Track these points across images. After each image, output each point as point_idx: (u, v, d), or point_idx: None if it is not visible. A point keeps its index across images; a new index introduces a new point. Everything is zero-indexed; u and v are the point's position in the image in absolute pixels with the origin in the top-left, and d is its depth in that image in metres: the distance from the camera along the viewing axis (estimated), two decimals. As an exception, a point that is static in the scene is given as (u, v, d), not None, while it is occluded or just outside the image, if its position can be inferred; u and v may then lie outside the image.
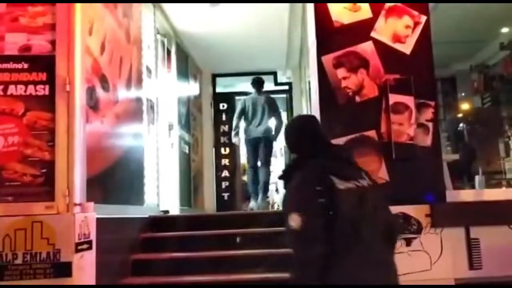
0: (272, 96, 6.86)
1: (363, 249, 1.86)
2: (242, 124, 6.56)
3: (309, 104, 5.84)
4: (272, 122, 6.49)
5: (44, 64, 2.93)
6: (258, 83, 6.70)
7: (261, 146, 6.35)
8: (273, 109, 6.50)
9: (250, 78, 8.28)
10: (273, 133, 6.47)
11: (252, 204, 6.43)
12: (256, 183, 6.39)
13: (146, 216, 4.59)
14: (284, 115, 9.81)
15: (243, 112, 6.51)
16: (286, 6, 5.65)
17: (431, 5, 3.18)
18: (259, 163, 6.45)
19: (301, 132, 2.13)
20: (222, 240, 4.38)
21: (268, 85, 9.05)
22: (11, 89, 2.89)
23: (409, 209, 2.90)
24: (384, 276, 1.90)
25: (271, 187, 7.80)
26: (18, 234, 2.68)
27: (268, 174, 6.43)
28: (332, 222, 1.83)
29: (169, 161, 5.93)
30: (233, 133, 6.62)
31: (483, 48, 7.45)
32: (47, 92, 2.91)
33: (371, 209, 1.93)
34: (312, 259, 1.83)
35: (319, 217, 1.82)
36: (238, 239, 4.33)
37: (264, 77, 8.67)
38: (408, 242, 2.89)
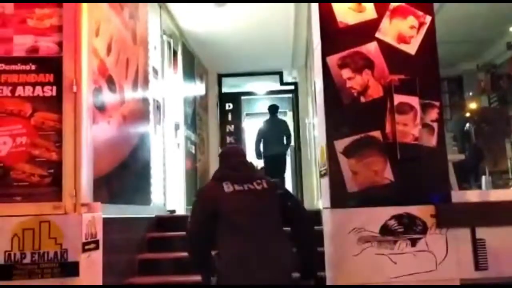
0: (284, 119, 8.18)
1: (243, 236, 2.56)
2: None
3: (314, 103, 5.86)
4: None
5: (51, 66, 2.95)
6: (273, 109, 7.89)
7: (277, 161, 7.55)
8: (285, 130, 7.78)
9: (256, 77, 8.36)
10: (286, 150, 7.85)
11: None
12: None
13: (153, 215, 4.62)
14: (289, 115, 9.88)
15: (261, 136, 7.73)
16: (292, 6, 5.66)
17: (437, 4, 3.18)
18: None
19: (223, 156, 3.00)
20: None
21: (274, 85, 9.10)
22: (19, 90, 2.92)
23: (414, 210, 2.90)
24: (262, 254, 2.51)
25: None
26: (26, 234, 2.71)
27: (283, 182, 7.42)
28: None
29: (175, 161, 5.96)
30: (255, 155, 7.69)
31: (490, 47, 7.43)
32: (54, 93, 2.94)
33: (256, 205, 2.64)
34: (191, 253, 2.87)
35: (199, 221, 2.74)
36: None
37: (270, 77, 8.75)
38: (413, 242, 2.89)
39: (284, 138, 7.76)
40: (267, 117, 8.02)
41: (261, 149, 7.75)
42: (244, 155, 2.97)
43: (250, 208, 2.62)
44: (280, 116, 8.33)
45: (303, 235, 2.72)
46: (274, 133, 7.62)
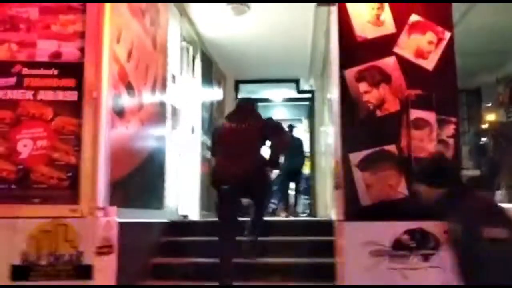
0: (299, 137, 8.89)
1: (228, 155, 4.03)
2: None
3: (331, 112, 5.86)
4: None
5: (73, 71, 3.01)
6: (290, 128, 8.44)
7: (295, 173, 8.47)
8: (300, 147, 8.57)
9: (273, 85, 8.40)
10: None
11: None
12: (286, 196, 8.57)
13: (167, 220, 4.67)
14: (305, 123, 9.87)
15: None
16: (311, 14, 5.69)
17: (457, 15, 3.17)
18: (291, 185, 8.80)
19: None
20: (240, 247, 4.41)
21: (291, 93, 9.12)
22: (41, 95, 2.98)
23: (428, 225, 2.89)
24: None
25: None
26: (44, 236, 2.76)
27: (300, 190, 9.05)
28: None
29: (190, 165, 6.00)
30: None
31: (510, 60, 7.35)
32: (75, 98, 2.99)
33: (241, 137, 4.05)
34: None
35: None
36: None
37: (286, 84, 8.77)
38: (426, 258, 2.88)
39: (300, 154, 8.61)
40: None
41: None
42: (248, 107, 4.44)
43: (235, 138, 4.07)
44: (296, 130, 9.02)
45: (274, 144, 4.17)
46: (292, 149, 7.87)
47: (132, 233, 3.58)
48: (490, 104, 7.92)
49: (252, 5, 5.50)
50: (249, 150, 4.01)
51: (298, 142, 8.53)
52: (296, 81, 8.80)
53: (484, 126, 7.29)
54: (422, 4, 3.10)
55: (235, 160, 3.91)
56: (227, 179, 3.91)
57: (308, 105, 9.12)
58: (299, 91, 8.95)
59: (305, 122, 9.98)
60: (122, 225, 3.13)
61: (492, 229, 2.24)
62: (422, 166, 2.84)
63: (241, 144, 3.99)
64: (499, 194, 5.60)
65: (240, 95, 8.76)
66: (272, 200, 8.48)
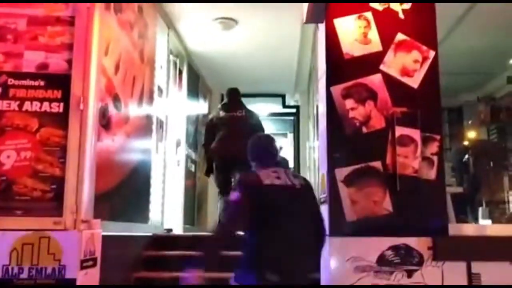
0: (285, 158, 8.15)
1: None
2: None
3: (316, 128, 5.91)
4: None
5: (60, 83, 3.01)
6: (279, 150, 8.18)
7: None
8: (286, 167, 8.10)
9: (259, 99, 8.49)
10: None
11: None
12: None
13: (150, 234, 4.63)
14: (290, 137, 9.94)
15: None
16: (297, 31, 5.75)
17: (440, 36, 3.24)
18: None
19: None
20: (224, 261, 4.38)
21: (276, 107, 9.18)
22: (27, 105, 2.97)
23: (412, 241, 2.92)
24: None
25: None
26: (26, 249, 2.73)
27: None
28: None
29: (175, 179, 5.97)
30: None
31: (490, 80, 7.51)
32: (61, 110, 2.98)
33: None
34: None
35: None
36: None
37: (272, 99, 8.83)
38: (410, 274, 2.90)
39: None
40: None
41: None
42: (238, 96, 5.18)
43: (233, 125, 4.58)
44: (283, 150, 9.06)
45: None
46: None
47: (116, 247, 3.55)
48: (471, 122, 8.05)
49: (240, 20, 5.55)
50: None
51: (285, 162, 8.66)
52: (282, 96, 8.86)
53: (466, 143, 7.40)
54: (408, 23, 3.17)
55: (236, 142, 4.28)
56: (228, 156, 4.64)
57: (293, 120, 9.18)
58: (285, 106, 9.02)
59: (290, 137, 10.02)
60: (106, 238, 3.10)
61: None
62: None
63: (240, 130, 4.66)
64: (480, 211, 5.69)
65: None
66: None
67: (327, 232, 2.84)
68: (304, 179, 2.79)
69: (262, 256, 2.53)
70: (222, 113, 5.24)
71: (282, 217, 2.55)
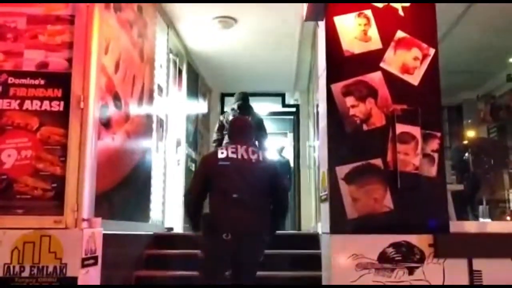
0: (287, 158, 8.95)
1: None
2: None
3: (316, 126, 5.91)
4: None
5: (60, 81, 3.01)
6: (281, 150, 8.89)
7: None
8: (289, 168, 8.65)
9: (259, 98, 8.50)
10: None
11: None
12: None
13: (151, 232, 4.63)
14: (290, 137, 9.95)
15: None
16: (297, 29, 5.75)
17: (440, 34, 3.24)
18: None
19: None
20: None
21: (276, 107, 9.17)
22: (27, 104, 2.97)
23: (413, 238, 2.92)
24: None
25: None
26: (27, 247, 2.72)
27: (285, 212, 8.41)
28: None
29: (175, 178, 5.97)
30: None
31: (490, 78, 7.51)
32: (61, 109, 2.98)
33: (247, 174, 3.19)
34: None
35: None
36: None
37: (272, 98, 8.83)
38: (411, 271, 2.90)
39: (288, 174, 8.67)
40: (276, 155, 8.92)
41: None
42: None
43: (237, 174, 3.18)
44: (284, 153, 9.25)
45: (278, 211, 3.31)
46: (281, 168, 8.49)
47: (117, 245, 3.55)
48: (470, 121, 8.06)
49: (239, 18, 5.55)
50: (259, 197, 3.18)
51: (286, 163, 8.83)
52: (282, 95, 8.86)
53: (466, 142, 7.41)
54: (408, 20, 3.17)
55: (243, 207, 3.11)
56: (231, 231, 3.09)
57: (293, 119, 9.18)
58: (284, 105, 9.01)
59: (290, 136, 10.03)
60: (107, 237, 3.10)
61: None
62: None
63: (249, 187, 3.18)
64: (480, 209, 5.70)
65: (225, 108, 8.77)
66: None
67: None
68: (264, 155, 3.35)
69: (216, 219, 3.15)
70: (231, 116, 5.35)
71: (231, 185, 3.14)
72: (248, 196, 3.12)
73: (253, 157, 3.22)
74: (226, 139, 4.67)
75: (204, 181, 3.23)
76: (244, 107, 5.64)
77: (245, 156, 3.21)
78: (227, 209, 3.12)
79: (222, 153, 3.23)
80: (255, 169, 3.22)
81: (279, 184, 3.32)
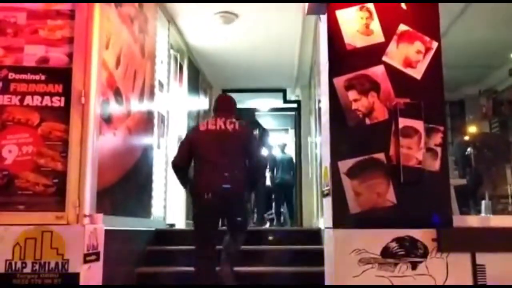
0: (290, 154, 9.28)
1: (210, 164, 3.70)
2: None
3: (317, 122, 5.89)
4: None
5: (60, 76, 2.99)
6: (284, 147, 9.22)
7: (287, 186, 8.91)
8: (292, 164, 9.03)
9: (260, 94, 8.47)
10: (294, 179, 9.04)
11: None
12: (279, 213, 9.10)
13: (152, 229, 4.62)
14: (291, 133, 9.94)
15: (275, 165, 8.86)
16: (298, 24, 5.73)
17: (442, 29, 3.21)
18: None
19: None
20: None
21: (277, 103, 9.16)
22: (28, 100, 2.95)
23: (416, 233, 2.90)
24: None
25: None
26: (28, 243, 2.71)
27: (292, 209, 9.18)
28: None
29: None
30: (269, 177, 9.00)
31: (492, 73, 7.49)
32: (62, 104, 2.97)
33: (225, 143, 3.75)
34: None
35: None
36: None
37: (273, 94, 8.81)
38: (414, 266, 2.88)
39: (291, 170, 9.05)
40: (278, 152, 9.25)
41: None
42: (225, 101, 4.09)
43: (217, 144, 3.73)
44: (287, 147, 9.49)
45: (251, 173, 3.85)
46: (285, 167, 8.85)
47: (119, 241, 3.54)
48: (473, 116, 8.04)
49: (240, 13, 5.53)
50: (233, 161, 3.74)
51: (289, 159, 8.99)
52: (283, 91, 8.84)
53: (468, 137, 7.38)
54: (411, 14, 3.14)
55: (219, 170, 3.65)
56: (211, 191, 3.63)
57: (295, 115, 9.16)
58: (286, 101, 8.99)
59: (291, 132, 10.02)
60: (108, 232, 3.09)
61: None
62: None
63: (225, 153, 3.72)
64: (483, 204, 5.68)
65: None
66: (270, 211, 9.29)
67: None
68: (241, 125, 3.88)
69: (199, 182, 3.71)
70: None
71: (211, 152, 3.72)
72: (224, 160, 3.68)
73: (230, 127, 3.79)
74: None
75: (187, 150, 3.81)
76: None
77: (223, 127, 3.79)
78: (207, 173, 3.68)
79: (203, 125, 3.89)
80: (230, 137, 3.79)
81: (250, 149, 3.84)
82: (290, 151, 9.39)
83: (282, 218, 9.14)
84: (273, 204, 9.37)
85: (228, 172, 3.66)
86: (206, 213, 3.68)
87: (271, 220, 9.28)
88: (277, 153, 9.31)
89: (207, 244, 3.66)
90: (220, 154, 3.70)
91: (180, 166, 3.82)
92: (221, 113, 3.89)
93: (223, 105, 4.01)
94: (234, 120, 3.88)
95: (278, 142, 9.56)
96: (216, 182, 3.62)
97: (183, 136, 4.87)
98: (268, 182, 9.10)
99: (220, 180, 3.62)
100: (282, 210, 9.20)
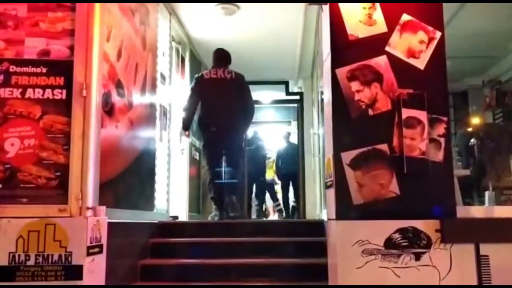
0: (295, 143, 9.19)
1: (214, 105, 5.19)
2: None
3: (320, 114, 5.88)
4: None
5: (62, 69, 2.98)
6: (288, 136, 9.45)
7: (292, 176, 8.92)
8: (297, 152, 8.87)
9: (262, 86, 8.45)
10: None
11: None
12: (287, 204, 9.24)
13: (156, 221, 4.63)
14: (294, 125, 9.93)
15: (279, 156, 9.30)
16: (300, 15, 5.70)
17: (444, 19, 3.19)
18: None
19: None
20: (230, 248, 4.40)
21: (279, 95, 9.13)
22: (29, 93, 2.94)
23: (419, 224, 2.90)
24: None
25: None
26: (31, 236, 2.71)
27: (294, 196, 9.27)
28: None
29: (179, 167, 5.96)
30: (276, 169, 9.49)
31: (496, 63, 7.44)
32: (64, 97, 2.95)
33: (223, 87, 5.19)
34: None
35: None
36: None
37: (275, 86, 8.79)
38: (417, 256, 2.88)
39: (297, 159, 8.94)
40: (283, 142, 9.48)
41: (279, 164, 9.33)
42: (223, 55, 5.41)
43: (219, 90, 5.16)
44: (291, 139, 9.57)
45: (245, 113, 5.33)
46: (290, 155, 9.05)
47: (122, 234, 3.55)
48: (476, 107, 8.00)
49: (242, 5, 5.49)
50: (232, 103, 5.17)
51: (295, 148, 9.00)
52: (285, 83, 8.80)
53: (471, 127, 7.35)
54: (414, 4, 3.12)
55: (222, 110, 5.07)
56: (216, 125, 5.08)
57: (297, 107, 9.13)
58: (288, 93, 8.96)
59: (294, 124, 10.00)
60: (111, 225, 3.09)
61: None
62: None
63: (226, 96, 5.15)
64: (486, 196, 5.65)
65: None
66: (277, 202, 9.55)
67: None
68: (236, 74, 5.27)
69: (205, 119, 5.18)
70: None
71: (215, 96, 5.12)
72: (225, 101, 5.07)
73: (228, 76, 5.21)
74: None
75: (196, 95, 5.20)
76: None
77: (222, 76, 5.19)
78: (212, 112, 5.09)
79: (207, 74, 5.28)
80: (229, 83, 5.16)
81: (244, 92, 5.24)
82: (295, 140, 9.35)
83: (290, 209, 9.20)
84: (280, 195, 9.45)
85: (228, 111, 5.06)
86: (211, 142, 5.17)
87: (280, 211, 9.32)
88: (281, 143, 9.41)
89: (215, 161, 5.22)
90: (222, 97, 5.08)
91: (191, 110, 5.22)
92: (219, 64, 5.27)
93: (220, 57, 5.34)
94: (230, 69, 5.23)
95: (282, 132, 9.65)
96: (220, 118, 5.04)
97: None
98: (271, 174, 9.35)
99: (225, 118, 5.04)
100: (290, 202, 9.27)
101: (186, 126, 5.33)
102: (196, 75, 5.42)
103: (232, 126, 5.11)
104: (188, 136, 5.73)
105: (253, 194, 8.89)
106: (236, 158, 5.37)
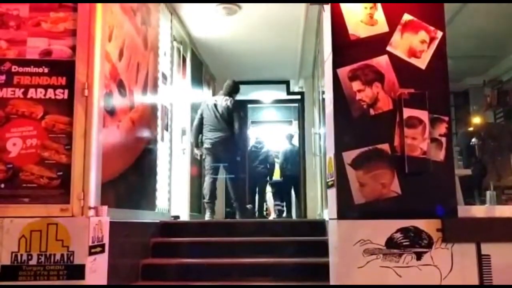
0: (297, 146, 9.22)
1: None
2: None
3: (321, 113, 5.88)
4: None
5: (64, 69, 2.99)
6: (291, 137, 9.50)
7: (294, 178, 8.96)
8: (299, 156, 8.93)
9: (263, 86, 8.45)
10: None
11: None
12: (289, 206, 9.52)
13: (157, 221, 4.63)
14: (295, 124, 9.93)
15: (285, 158, 9.28)
16: (301, 15, 5.69)
17: (446, 19, 3.19)
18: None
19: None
20: (231, 247, 4.41)
21: (280, 94, 9.14)
22: (31, 93, 2.95)
23: (421, 223, 2.90)
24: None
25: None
26: (34, 236, 2.72)
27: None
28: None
29: (181, 166, 5.97)
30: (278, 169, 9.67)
31: (497, 63, 7.44)
32: (66, 97, 2.97)
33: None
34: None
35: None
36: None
37: (276, 86, 8.79)
38: (419, 256, 2.89)
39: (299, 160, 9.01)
40: (286, 143, 9.53)
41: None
42: (230, 87, 6.28)
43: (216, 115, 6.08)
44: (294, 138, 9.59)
45: (235, 131, 6.07)
46: (292, 157, 9.11)
47: (124, 233, 3.55)
48: (477, 107, 7.99)
49: (243, 5, 5.49)
50: (224, 123, 6.05)
51: (297, 150, 9.04)
52: (286, 83, 8.81)
53: (473, 127, 7.35)
54: (415, 3, 3.12)
55: (215, 129, 6.02)
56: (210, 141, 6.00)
57: (298, 107, 9.13)
58: (289, 93, 8.96)
59: (295, 124, 10.00)
60: (113, 225, 3.10)
61: None
62: None
63: (219, 118, 6.03)
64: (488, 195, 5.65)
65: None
66: (277, 202, 9.60)
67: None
68: (232, 101, 6.11)
69: (204, 137, 6.11)
70: None
71: (213, 118, 6.03)
72: (219, 124, 5.99)
73: (225, 103, 6.06)
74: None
75: (201, 117, 6.13)
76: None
77: (221, 103, 6.06)
78: (208, 132, 6.03)
79: (210, 101, 6.18)
80: (224, 109, 6.01)
81: (233, 116, 6.04)
82: (296, 142, 9.39)
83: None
84: (282, 196, 9.49)
85: (222, 132, 5.98)
86: (208, 155, 6.08)
87: (279, 212, 9.34)
88: (285, 144, 9.43)
89: (212, 171, 6.06)
90: (217, 120, 6.01)
91: (198, 128, 6.10)
92: (224, 93, 6.20)
93: (227, 88, 6.25)
94: (228, 97, 6.10)
95: (285, 133, 9.66)
96: (215, 137, 5.97)
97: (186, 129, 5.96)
98: (275, 176, 9.45)
99: (218, 136, 5.97)
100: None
101: (197, 145, 6.28)
102: (202, 101, 6.42)
103: (225, 143, 6.07)
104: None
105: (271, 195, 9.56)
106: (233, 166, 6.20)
